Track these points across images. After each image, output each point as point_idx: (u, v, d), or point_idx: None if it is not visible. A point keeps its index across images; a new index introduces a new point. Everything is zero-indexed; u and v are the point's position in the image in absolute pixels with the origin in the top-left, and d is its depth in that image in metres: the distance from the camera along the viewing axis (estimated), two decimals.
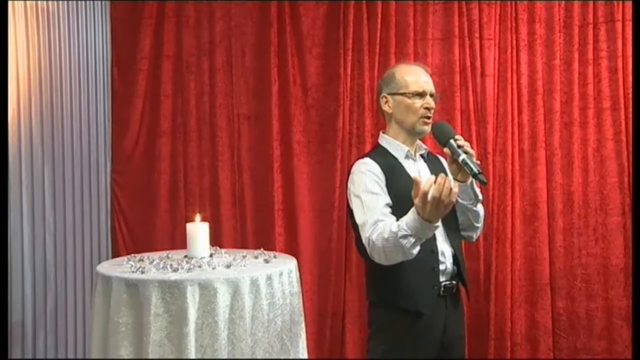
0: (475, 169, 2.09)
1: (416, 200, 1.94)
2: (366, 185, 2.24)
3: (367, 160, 2.33)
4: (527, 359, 3.67)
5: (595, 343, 3.65)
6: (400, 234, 2.03)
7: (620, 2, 3.61)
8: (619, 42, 3.61)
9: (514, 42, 3.69)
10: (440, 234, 2.30)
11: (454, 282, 2.34)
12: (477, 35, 3.69)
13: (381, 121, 3.68)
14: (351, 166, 2.38)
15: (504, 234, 3.65)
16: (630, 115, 3.58)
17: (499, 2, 3.70)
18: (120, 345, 2.21)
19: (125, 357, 2.20)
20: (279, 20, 3.74)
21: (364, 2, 3.70)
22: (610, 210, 3.64)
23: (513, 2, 3.69)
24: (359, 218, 2.23)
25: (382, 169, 2.28)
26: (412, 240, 2.03)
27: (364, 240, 2.18)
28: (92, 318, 2.38)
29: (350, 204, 2.31)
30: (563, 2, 3.68)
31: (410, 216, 2.01)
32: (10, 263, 2.79)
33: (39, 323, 3.02)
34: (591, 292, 3.66)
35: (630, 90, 3.57)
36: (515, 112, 3.70)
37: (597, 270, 3.66)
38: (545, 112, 3.69)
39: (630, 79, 3.58)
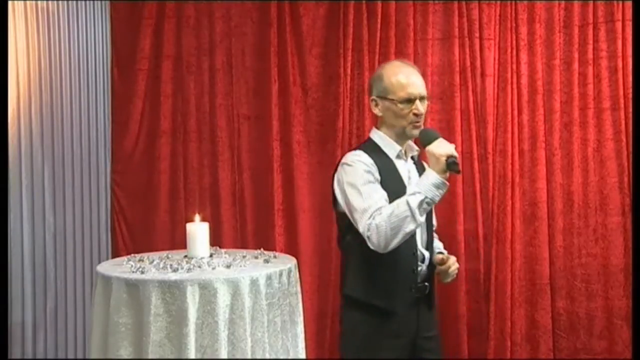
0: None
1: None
2: (363, 175, 2.20)
3: (360, 153, 2.27)
4: (527, 359, 3.67)
5: (595, 343, 3.65)
6: (408, 192, 2.10)
7: (620, 2, 3.61)
8: (619, 42, 3.61)
9: (514, 42, 3.69)
10: (419, 238, 2.31)
11: (426, 283, 2.33)
12: (477, 35, 3.69)
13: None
14: (341, 158, 2.34)
15: (504, 234, 3.65)
16: (630, 115, 3.58)
17: (499, 2, 3.70)
18: (120, 346, 2.21)
19: (125, 357, 2.20)
20: (279, 20, 3.73)
21: (364, 2, 3.70)
22: (610, 210, 3.64)
23: (513, 2, 3.69)
24: (358, 205, 2.17)
25: (376, 164, 2.24)
26: (421, 198, 2.07)
27: (363, 227, 2.14)
28: (92, 318, 2.38)
29: (340, 194, 2.25)
30: (563, 2, 3.68)
31: (420, 178, 2.14)
32: (10, 263, 2.79)
33: (39, 323, 3.03)
34: (591, 292, 3.66)
35: (630, 90, 3.57)
36: (515, 112, 3.70)
37: (597, 270, 3.66)
38: (545, 112, 3.69)
39: (630, 79, 3.58)
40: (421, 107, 2.26)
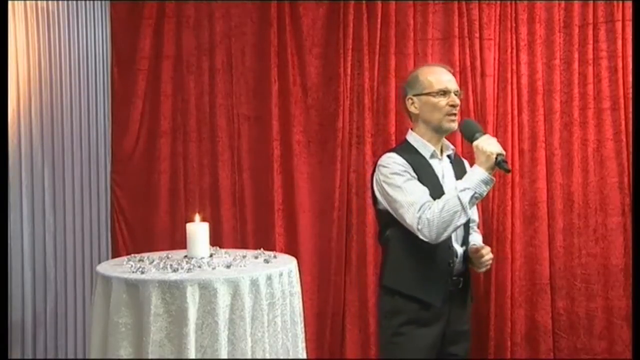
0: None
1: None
2: (400, 174, 2.37)
3: (392, 154, 2.45)
4: (527, 359, 3.67)
5: (595, 343, 3.65)
6: (459, 188, 2.25)
7: (620, 2, 3.61)
8: (619, 42, 3.61)
9: (514, 42, 3.69)
10: (454, 234, 2.43)
11: (460, 278, 2.48)
12: (477, 35, 3.69)
13: (381, 121, 3.71)
14: (377, 160, 2.50)
15: (504, 234, 3.65)
16: (630, 115, 3.58)
17: (499, 2, 3.70)
18: (120, 346, 2.21)
19: (125, 358, 2.20)
20: (279, 21, 3.74)
21: (364, 2, 3.70)
22: (610, 210, 3.64)
23: (513, 2, 3.69)
24: (403, 201, 2.32)
25: (410, 163, 2.40)
26: (471, 193, 2.23)
27: (411, 220, 2.29)
28: (92, 318, 2.38)
29: (381, 194, 2.43)
30: (563, 2, 3.68)
31: (468, 174, 2.30)
32: (10, 263, 2.79)
33: (39, 323, 3.02)
34: (591, 292, 3.66)
35: (630, 90, 3.57)
36: (515, 112, 3.70)
37: (597, 270, 3.66)
38: (545, 112, 3.69)
39: (630, 79, 3.58)
40: (456, 99, 2.44)
